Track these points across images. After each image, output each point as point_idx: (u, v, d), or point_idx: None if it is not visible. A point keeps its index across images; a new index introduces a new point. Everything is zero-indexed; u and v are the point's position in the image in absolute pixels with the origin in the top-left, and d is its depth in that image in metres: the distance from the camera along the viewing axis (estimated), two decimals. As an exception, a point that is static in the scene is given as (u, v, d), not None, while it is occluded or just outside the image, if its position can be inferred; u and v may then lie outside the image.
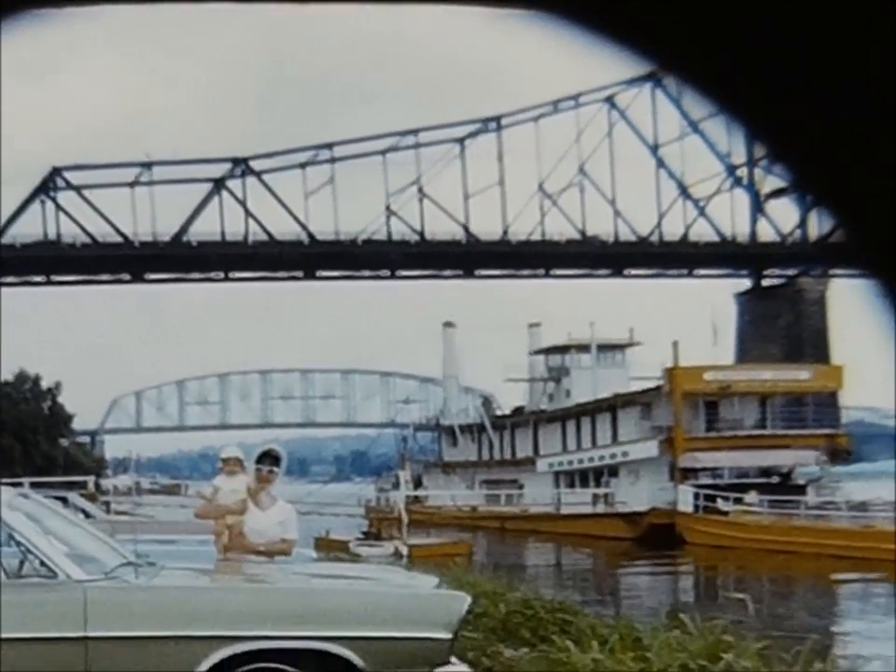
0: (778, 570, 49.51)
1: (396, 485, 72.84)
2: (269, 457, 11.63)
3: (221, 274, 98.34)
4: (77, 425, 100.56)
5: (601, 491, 69.78)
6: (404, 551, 51.83)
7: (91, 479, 75.25)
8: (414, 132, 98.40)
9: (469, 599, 9.43)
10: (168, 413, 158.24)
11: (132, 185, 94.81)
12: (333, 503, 74.16)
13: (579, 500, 70.89)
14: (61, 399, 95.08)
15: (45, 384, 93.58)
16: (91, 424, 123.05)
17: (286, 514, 11.76)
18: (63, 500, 29.77)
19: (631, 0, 1.80)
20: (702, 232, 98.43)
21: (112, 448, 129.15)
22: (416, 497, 78.76)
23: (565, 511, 70.62)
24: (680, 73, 1.89)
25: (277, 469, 11.64)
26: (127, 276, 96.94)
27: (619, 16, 1.79)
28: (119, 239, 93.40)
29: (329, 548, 49.60)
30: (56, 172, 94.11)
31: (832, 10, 1.71)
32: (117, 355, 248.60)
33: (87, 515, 29.59)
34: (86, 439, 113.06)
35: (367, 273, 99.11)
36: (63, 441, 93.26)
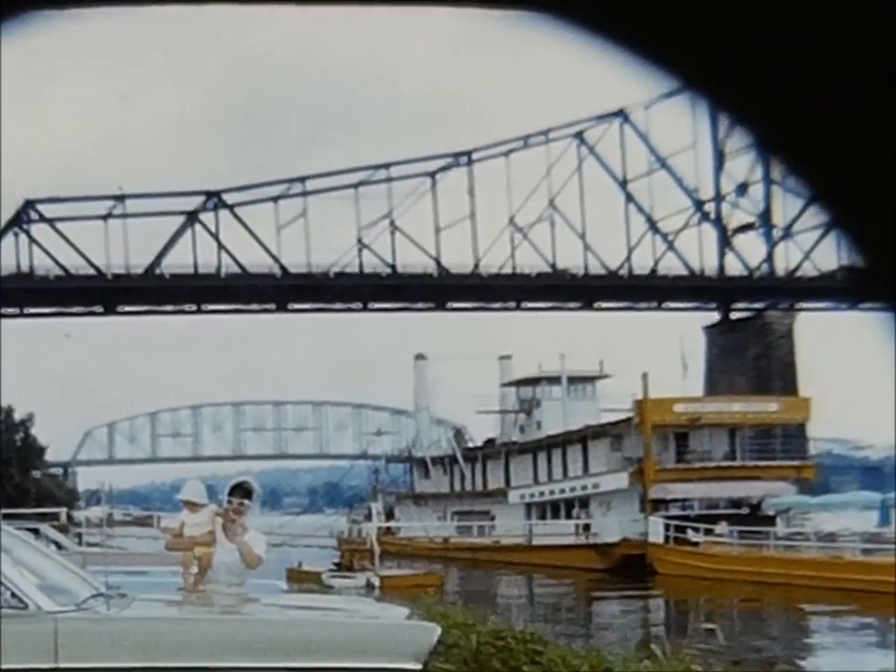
0: (748, 600, 49.82)
1: (368, 517, 73.02)
2: (240, 490, 11.79)
3: (194, 307, 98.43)
4: (49, 456, 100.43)
5: (581, 521, 69.86)
6: (376, 582, 52.04)
7: (63, 510, 75.25)
8: (386, 166, 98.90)
9: (438, 630, 9.63)
10: (141, 445, 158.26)
11: (105, 217, 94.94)
12: (305, 535, 74.33)
13: (552, 531, 71.07)
14: (33, 431, 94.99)
15: (17, 415, 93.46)
16: (63, 455, 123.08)
17: (254, 539, 11.86)
18: (35, 532, 29.91)
19: (630, 0, 1.88)
20: (671, 266, 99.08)
21: (85, 479, 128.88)
22: (388, 529, 78.92)
23: (539, 542, 70.80)
24: (682, 74, 1.94)
25: (248, 503, 11.77)
26: (100, 308, 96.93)
27: (617, 16, 1.87)
28: (92, 271, 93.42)
29: (302, 579, 49.81)
30: (29, 204, 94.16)
31: (828, 11, 1.79)
32: (90, 386, 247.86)
33: (59, 547, 29.74)
34: (59, 470, 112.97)
35: (339, 305, 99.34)
36: (36, 473, 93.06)
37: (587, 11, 1.87)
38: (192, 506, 11.80)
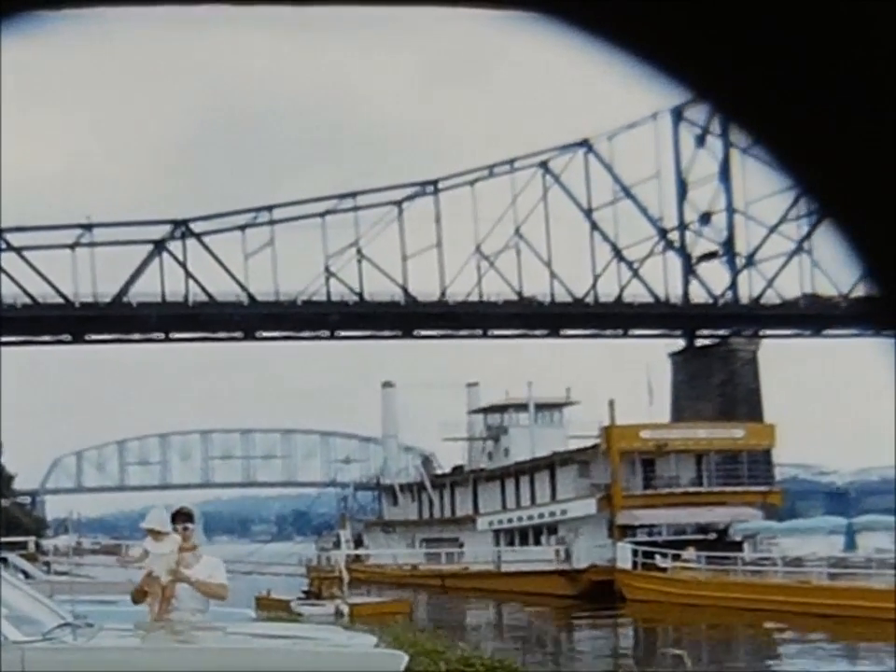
0: (716, 626, 50.09)
1: (337, 544, 73.17)
2: (181, 516, 12.02)
3: (162, 335, 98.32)
4: (18, 484, 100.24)
5: (559, 547, 69.85)
6: (345, 609, 52.11)
7: (31, 539, 75.01)
8: (353, 194, 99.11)
9: (405, 658, 9.75)
10: (109, 473, 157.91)
11: (72, 246, 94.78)
12: (274, 562, 74.15)
13: (521, 558, 71.21)
14: (1, 460, 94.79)
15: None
16: (32, 483, 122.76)
17: (212, 564, 11.95)
18: (3, 560, 30.00)
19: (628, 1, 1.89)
20: (636, 293, 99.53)
21: (53, 508, 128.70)
22: (357, 556, 78.92)
23: (508, 568, 70.89)
24: (678, 74, 1.94)
25: (192, 525, 11.96)
26: (68, 337, 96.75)
27: (616, 16, 1.88)
28: (59, 300, 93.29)
29: (271, 607, 49.81)
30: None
31: (826, 12, 1.81)
32: (57, 415, 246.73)
33: (27, 575, 29.83)
34: (27, 499, 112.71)
35: (307, 333, 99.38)
36: (4, 502, 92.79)
37: (586, 11, 1.90)
38: (156, 534, 11.89)
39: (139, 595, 12.01)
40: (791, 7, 1.80)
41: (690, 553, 60.54)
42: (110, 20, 2.01)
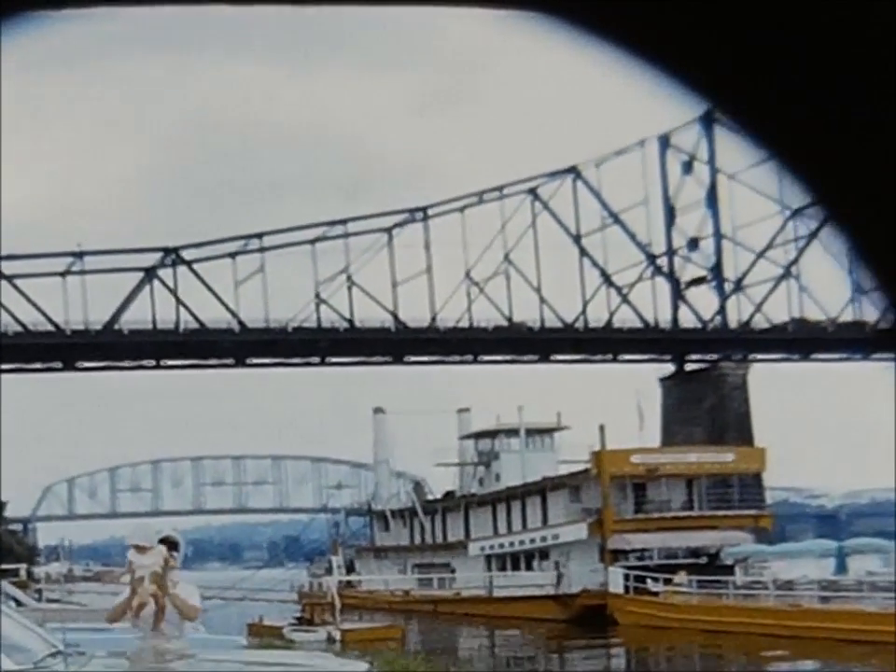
0: (708, 649, 50.27)
1: (329, 570, 73.11)
2: (166, 543, 12.07)
3: (153, 362, 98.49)
4: (9, 512, 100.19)
5: (555, 573, 69.74)
6: (337, 636, 52.25)
7: (23, 566, 74.99)
8: (343, 221, 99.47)
9: None
10: (100, 500, 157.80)
11: (63, 274, 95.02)
12: (266, 589, 74.23)
13: (513, 583, 71.27)
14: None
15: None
16: (23, 511, 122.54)
17: (187, 590, 12.04)
18: (-6, 588, 30.12)
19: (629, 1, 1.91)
20: (625, 319, 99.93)
21: (45, 535, 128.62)
22: (349, 582, 78.95)
23: (500, 593, 70.93)
24: (679, 74, 1.95)
25: (176, 554, 12.03)
26: (59, 364, 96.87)
27: (617, 16, 1.90)
28: (51, 327, 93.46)
29: (263, 634, 49.99)
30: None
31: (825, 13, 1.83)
32: (49, 442, 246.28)
33: (18, 603, 29.96)
34: (18, 526, 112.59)
35: (297, 359, 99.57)
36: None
37: (586, 11, 1.92)
38: (140, 548, 12.00)
39: (116, 614, 12.10)
40: (792, 7, 1.84)
41: (681, 577, 60.60)
42: (107, 21, 2.05)
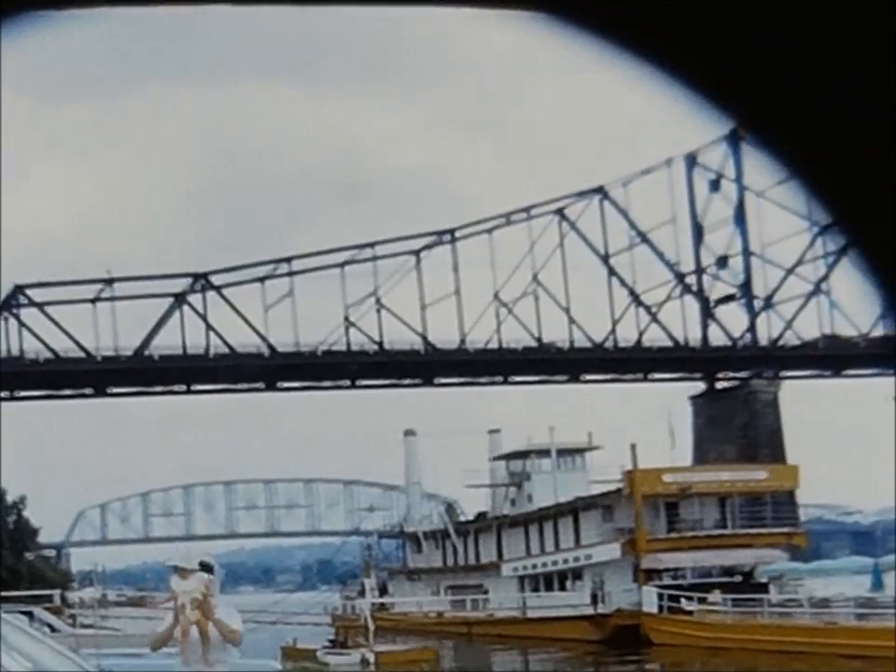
0: (744, 668, 50.07)
1: (361, 593, 73.16)
2: (201, 568, 12.10)
3: (183, 387, 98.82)
4: (42, 538, 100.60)
5: (592, 593, 69.33)
6: (371, 658, 52.28)
7: (56, 592, 75.16)
8: (371, 245, 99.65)
9: None
10: (133, 525, 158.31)
11: (93, 301, 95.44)
12: (300, 612, 74.32)
13: (547, 604, 71.09)
14: (26, 513, 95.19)
15: (10, 498, 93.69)
16: (56, 536, 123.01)
17: (227, 612, 12.05)
18: (29, 615, 30.18)
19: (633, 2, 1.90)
20: (655, 338, 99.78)
21: (78, 560, 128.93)
22: (382, 605, 78.99)
23: (533, 614, 70.78)
24: (680, 74, 1.94)
25: (212, 576, 12.06)
26: (90, 391, 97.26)
27: (617, 16, 1.89)
28: (81, 354, 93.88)
29: (297, 657, 50.10)
30: (18, 289, 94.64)
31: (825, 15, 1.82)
32: (81, 468, 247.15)
33: (52, 629, 30.04)
34: (52, 552, 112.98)
35: (327, 383, 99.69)
36: (29, 555, 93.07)
37: (587, 11, 1.91)
38: (182, 571, 12.05)
39: (159, 641, 12.20)
40: (792, 7, 1.84)
41: (716, 595, 60.47)
42: (113, 24, 2.05)
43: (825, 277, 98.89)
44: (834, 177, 1.93)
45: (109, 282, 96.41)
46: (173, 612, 11.96)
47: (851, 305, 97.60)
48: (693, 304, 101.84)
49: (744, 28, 1.83)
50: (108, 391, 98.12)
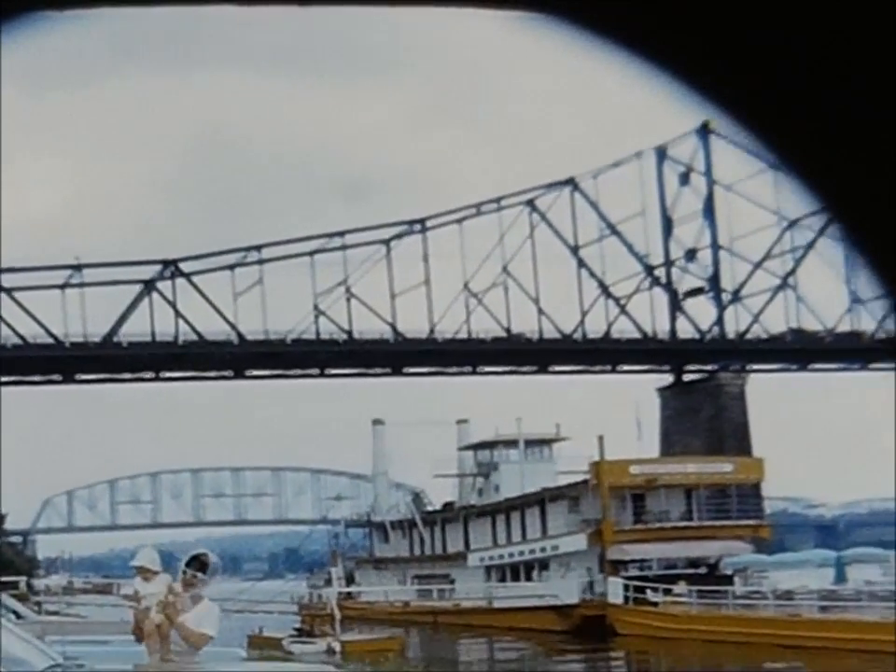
0: (708, 659, 50.37)
1: (328, 582, 73.21)
2: (196, 562, 12.03)
3: (152, 374, 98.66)
4: (8, 524, 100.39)
5: (585, 581, 69.19)
6: (337, 647, 52.33)
7: (22, 579, 75.05)
8: (341, 233, 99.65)
9: None
10: (100, 513, 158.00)
11: (62, 287, 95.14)
12: (266, 601, 74.30)
13: (513, 594, 71.30)
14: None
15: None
16: (23, 523, 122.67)
17: (205, 612, 11.94)
18: (-5, 600, 30.18)
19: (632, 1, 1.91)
20: (623, 329, 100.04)
21: (44, 547, 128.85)
22: (349, 594, 79.04)
23: (499, 604, 71.00)
24: (679, 74, 1.94)
25: (202, 576, 11.94)
26: (59, 377, 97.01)
27: (620, 16, 1.89)
28: (50, 340, 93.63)
29: (263, 645, 50.09)
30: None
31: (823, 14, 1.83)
32: (48, 454, 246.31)
33: (18, 616, 30.01)
34: (18, 538, 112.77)
35: (296, 371, 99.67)
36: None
37: (586, 11, 1.91)
38: (145, 573, 12.00)
39: (139, 633, 12.01)
40: (792, 7, 1.84)
41: (681, 587, 60.76)
42: (107, 24, 2.07)
43: (792, 272, 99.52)
44: (834, 177, 1.97)
45: (78, 268, 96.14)
46: (133, 616, 11.89)
47: (818, 300, 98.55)
48: (661, 297, 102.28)
49: (744, 28, 1.85)
50: (77, 377, 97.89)
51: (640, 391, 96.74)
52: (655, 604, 60.75)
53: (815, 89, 1.87)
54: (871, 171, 1.89)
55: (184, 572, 11.89)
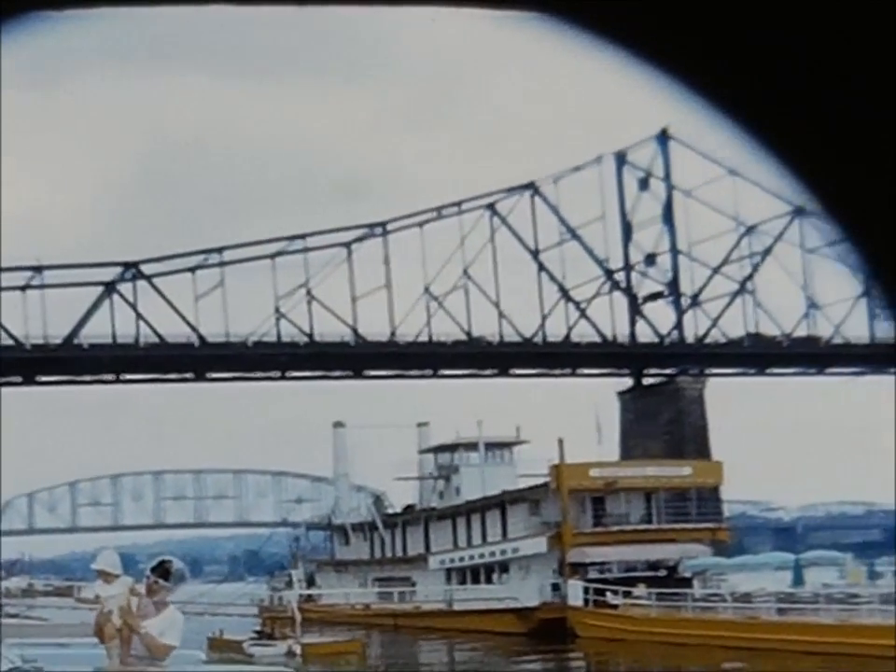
0: (668, 662, 50.77)
1: (289, 584, 73.40)
2: (161, 569, 11.91)
3: (113, 376, 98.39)
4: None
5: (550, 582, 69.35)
6: (297, 649, 52.39)
7: (-19, 582, 74.67)
8: (302, 236, 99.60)
9: None
10: (61, 515, 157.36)
11: (23, 289, 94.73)
12: (226, 603, 74.27)
13: (473, 596, 71.49)
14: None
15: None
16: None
17: (169, 620, 11.87)
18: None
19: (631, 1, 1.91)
20: (583, 333, 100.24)
21: (4, 550, 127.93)
22: (309, 596, 79.11)
23: (460, 607, 71.19)
24: (679, 72, 1.94)
25: (165, 583, 11.83)
26: (18, 379, 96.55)
27: (620, 16, 1.90)
28: (10, 342, 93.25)
29: (223, 648, 50.14)
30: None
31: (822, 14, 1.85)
32: (8, 457, 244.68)
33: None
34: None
35: (257, 374, 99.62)
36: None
37: (585, 11, 1.91)
38: (106, 576, 12.01)
39: (101, 635, 12.04)
40: (792, 7, 1.86)
41: (640, 589, 61.08)
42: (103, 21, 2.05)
43: (750, 277, 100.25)
44: (834, 177, 1.98)
45: (39, 269, 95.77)
46: (95, 620, 11.90)
47: (775, 305, 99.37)
48: (621, 301, 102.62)
49: (744, 28, 1.87)
50: (37, 379, 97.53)
51: (600, 394, 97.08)
52: (615, 606, 61.07)
53: (815, 89, 1.90)
54: (871, 171, 1.92)
55: (147, 578, 11.83)
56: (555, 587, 66.94)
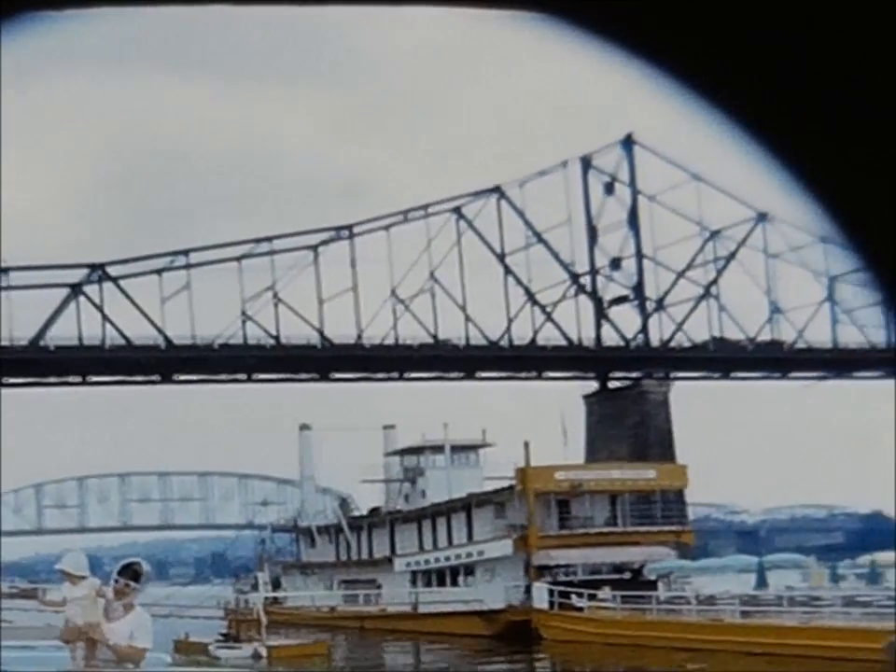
0: (632, 664, 51.05)
1: (255, 587, 73.37)
2: (129, 571, 11.92)
3: (79, 378, 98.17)
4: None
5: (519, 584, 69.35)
6: (263, 652, 52.49)
7: (-52, 585, 74.25)
8: (269, 239, 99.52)
9: None
10: (26, 517, 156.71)
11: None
12: (192, 605, 74.09)
13: (439, 599, 71.63)
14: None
15: None
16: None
17: (137, 622, 11.82)
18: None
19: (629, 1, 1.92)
20: (549, 337, 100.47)
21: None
22: (275, 599, 79.00)
23: (425, 609, 71.33)
24: (679, 72, 1.95)
25: (134, 585, 11.83)
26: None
27: (620, 16, 1.90)
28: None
29: (189, 650, 50.12)
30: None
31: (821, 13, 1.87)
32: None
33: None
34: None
35: (224, 376, 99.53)
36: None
37: (585, 11, 1.92)
38: (71, 577, 12.02)
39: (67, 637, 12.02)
40: (792, 7, 1.87)
41: (605, 592, 61.25)
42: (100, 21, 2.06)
43: (714, 281, 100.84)
44: (834, 177, 1.98)
45: (4, 270, 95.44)
46: (65, 624, 11.89)
47: (739, 310, 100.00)
48: (587, 305, 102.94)
49: (744, 28, 1.88)
50: (3, 381, 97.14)
51: (566, 398, 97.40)
52: (580, 609, 61.25)
53: (815, 89, 1.91)
54: (871, 171, 1.94)
55: (115, 580, 11.81)
56: (528, 590, 67.15)
